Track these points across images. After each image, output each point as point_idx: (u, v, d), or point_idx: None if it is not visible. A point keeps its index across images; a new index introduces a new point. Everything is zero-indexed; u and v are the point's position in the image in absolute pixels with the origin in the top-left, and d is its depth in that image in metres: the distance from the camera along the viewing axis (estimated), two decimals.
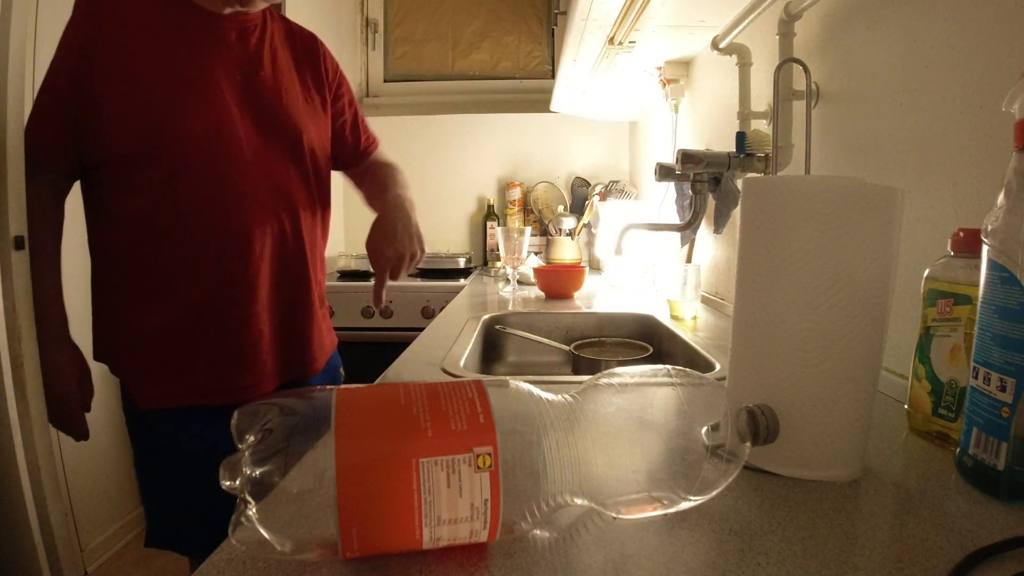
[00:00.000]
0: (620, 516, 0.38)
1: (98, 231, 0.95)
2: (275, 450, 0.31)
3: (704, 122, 1.42)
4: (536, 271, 1.57)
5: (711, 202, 1.28)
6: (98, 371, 1.75)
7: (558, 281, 1.50)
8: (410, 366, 0.84)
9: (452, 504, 0.32)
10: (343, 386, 0.35)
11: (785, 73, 0.89)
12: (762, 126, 1.06)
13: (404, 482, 0.31)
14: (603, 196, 2.09)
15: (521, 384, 0.38)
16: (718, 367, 0.82)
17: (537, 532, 0.37)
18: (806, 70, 0.84)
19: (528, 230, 1.52)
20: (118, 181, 0.89)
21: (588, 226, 2.18)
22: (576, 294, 1.53)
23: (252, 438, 0.32)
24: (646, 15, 1.12)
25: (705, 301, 1.35)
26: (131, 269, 0.90)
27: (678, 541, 0.37)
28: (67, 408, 0.96)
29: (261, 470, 0.31)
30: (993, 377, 0.41)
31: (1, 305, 1.36)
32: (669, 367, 0.40)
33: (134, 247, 0.89)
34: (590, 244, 2.26)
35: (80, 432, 0.96)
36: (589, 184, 2.43)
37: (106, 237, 0.93)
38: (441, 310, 1.39)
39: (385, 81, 2.67)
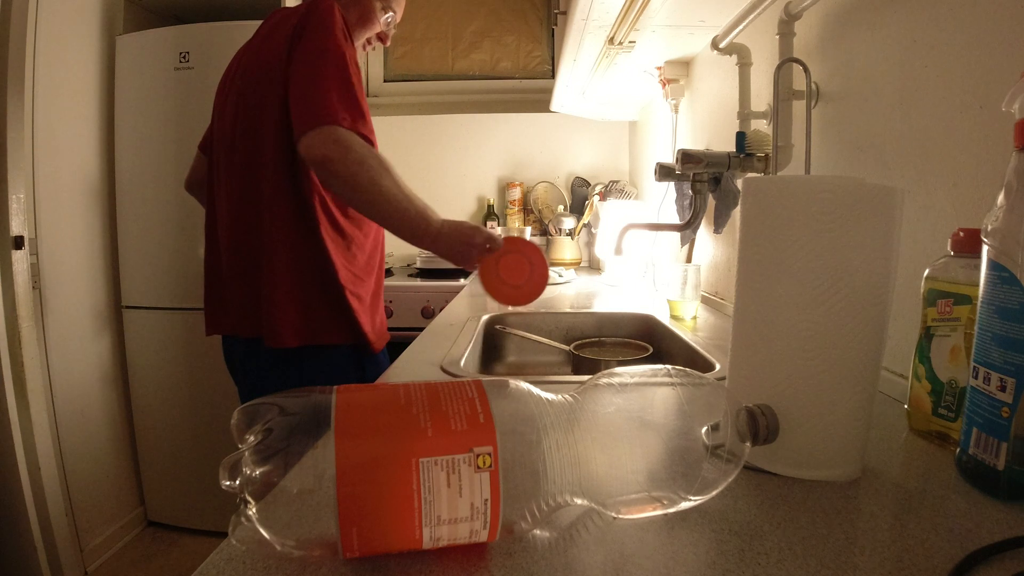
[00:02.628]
0: (620, 516, 0.38)
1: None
2: (275, 450, 0.31)
3: (704, 122, 1.42)
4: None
5: (711, 202, 1.28)
6: (98, 372, 1.74)
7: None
8: (410, 366, 0.84)
9: (452, 504, 0.32)
10: (343, 386, 0.35)
11: (785, 73, 0.89)
12: (762, 126, 1.06)
13: (404, 482, 0.31)
14: (603, 196, 2.09)
15: (521, 384, 0.38)
16: (718, 367, 0.82)
17: (537, 532, 0.37)
18: (806, 70, 0.84)
19: (528, 230, 1.52)
20: None
21: (588, 226, 2.18)
22: (574, 293, 1.53)
23: (252, 438, 0.32)
24: (646, 15, 1.13)
25: (705, 301, 1.35)
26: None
27: (678, 541, 0.37)
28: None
29: (261, 470, 0.31)
30: (993, 377, 0.41)
31: (1, 305, 1.36)
32: (669, 367, 0.40)
33: None
34: (590, 244, 2.26)
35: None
36: (589, 184, 2.43)
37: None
38: (441, 310, 1.39)
39: (385, 81, 2.67)
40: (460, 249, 1.01)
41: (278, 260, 1.02)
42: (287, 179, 1.01)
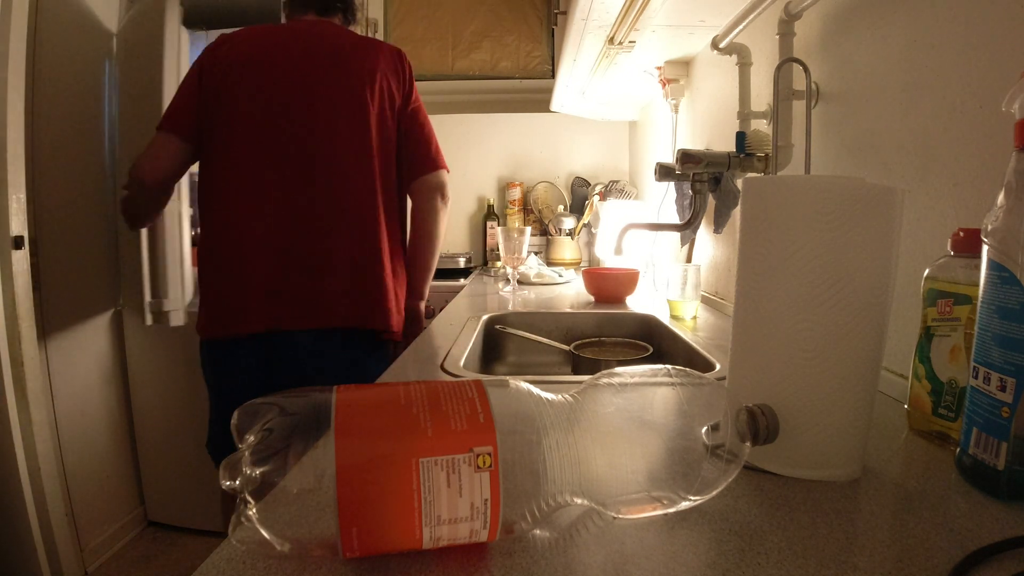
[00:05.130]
0: (620, 516, 0.38)
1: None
2: (275, 450, 0.31)
3: (704, 122, 1.42)
4: (585, 273, 1.47)
5: (711, 202, 1.28)
6: (98, 372, 1.74)
7: (607, 285, 1.43)
8: (410, 366, 0.84)
9: (452, 504, 0.32)
10: (343, 386, 0.35)
11: (785, 73, 0.89)
12: (762, 126, 1.06)
13: (404, 482, 0.31)
14: (603, 196, 2.09)
15: (521, 384, 0.38)
16: (718, 367, 0.82)
17: (537, 532, 0.37)
18: (806, 70, 0.84)
19: (528, 230, 1.52)
20: None
21: (588, 226, 2.18)
22: (574, 293, 1.53)
23: (252, 438, 0.32)
24: (646, 15, 1.13)
25: (705, 301, 1.35)
26: None
27: (678, 541, 0.37)
28: None
29: (261, 470, 0.31)
30: (993, 377, 0.41)
31: (1, 305, 1.36)
32: (669, 367, 0.40)
33: None
34: (590, 244, 2.26)
35: None
36: (589, 184, 2.43)
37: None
38: (441, 310, 1.39)
39: None
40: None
41: (384, 253, 1.16)
42: (396, 198, 1.22)
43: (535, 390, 0.37)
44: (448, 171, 1.26)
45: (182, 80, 1.20)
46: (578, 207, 2.39)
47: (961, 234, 0.50)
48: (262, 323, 1.10)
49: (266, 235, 1.10)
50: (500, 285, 1.79)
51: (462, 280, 2.04)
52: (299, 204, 1.11)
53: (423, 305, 1.32)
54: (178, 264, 1.74)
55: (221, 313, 1.12)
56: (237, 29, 1.20)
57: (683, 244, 1.50)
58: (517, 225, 2.16)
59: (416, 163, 1.22)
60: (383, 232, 1.17)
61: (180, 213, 1.73)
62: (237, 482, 0.31)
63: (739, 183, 1.14)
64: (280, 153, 1.11)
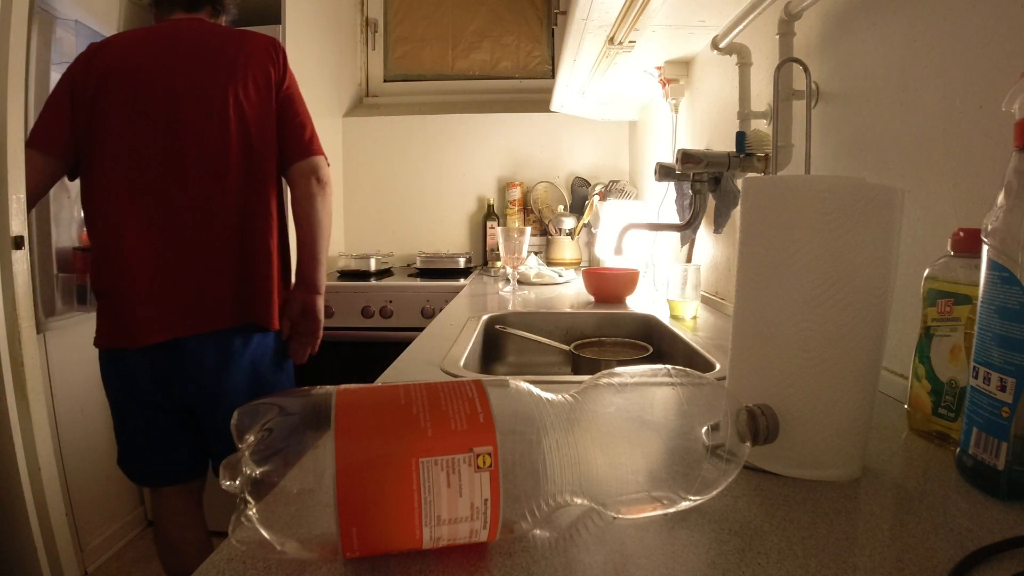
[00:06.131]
0: (620, 516, 0.38)
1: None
2: (275, 450, 0.31)
3: (704, 122, 1.42)
4: (585, 273, 1.47)
5: (711, 202, 1.28)
6: (98, 372, 1.75)
7: (607, 285, 1.42)
8: (410, 366, 0.84)
9: (452, 504, 0.32)
10: (343, 386, 0.35)
11: (785, 73, 0.89)
12: (762, 126, 1.06)
13: (404, 482, 0.31)
14: (603, 196, 2.09)
15: (521, 384, 0.38)
16: (718, 367, 0.82)
17: (537, 532, 0.37)
18: (806, 70, 0.84)
19: (528, 230, 1.52)
20: None
21: (588, 226, 2.18)
22: (574, 293, 1.53)
23: (252, 438, 0.32)
24: (646, 15, 1.12)
25: (705, 301, 1.35)
26: None
27: (678, 541, 0.37)
28: None
29: (261, 470, 0.31)
30: (993, 377, 0.41)
31: (1, 305, 1.36)
32: (669, 367, 0.40)
33: None
34: (590, 244, 2.26)
35: None
36: (589, 184, 2.43)
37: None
38: (441, 310, 1.39)
39: (385, 81, 2.67)
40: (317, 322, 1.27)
41: (267, 252, 1.18)
42: (274, 187, 1.22)
43: (535, 390, 0.37)
44: (323, 156, 1.24)
45: (50, 93, 1.19)
46: (578, 207, 2.39)
47: (961, 234, 0.50)
48: (155, 334, 1.11)
49: (143, 245, 1.11)
50: (500, 285, 1.79)
51: (462, 280, 2.04)
52: (174, 208, 1.12)
53: (319, 300, 1.26)
54: None
55: (114, 326, 1.13)
56: (107, 37, 1.22)
57: (683, 244, 1.50)
58: (517, 225, 2.16)
59: (289, 150, 1.21)
60: (270, 225, 1.19)
61: None
62: (237, 482, 0.31)
63: (739, 183, 1.14)
64: (151, 159, 1.12)
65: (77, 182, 1.21)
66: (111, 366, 1.18)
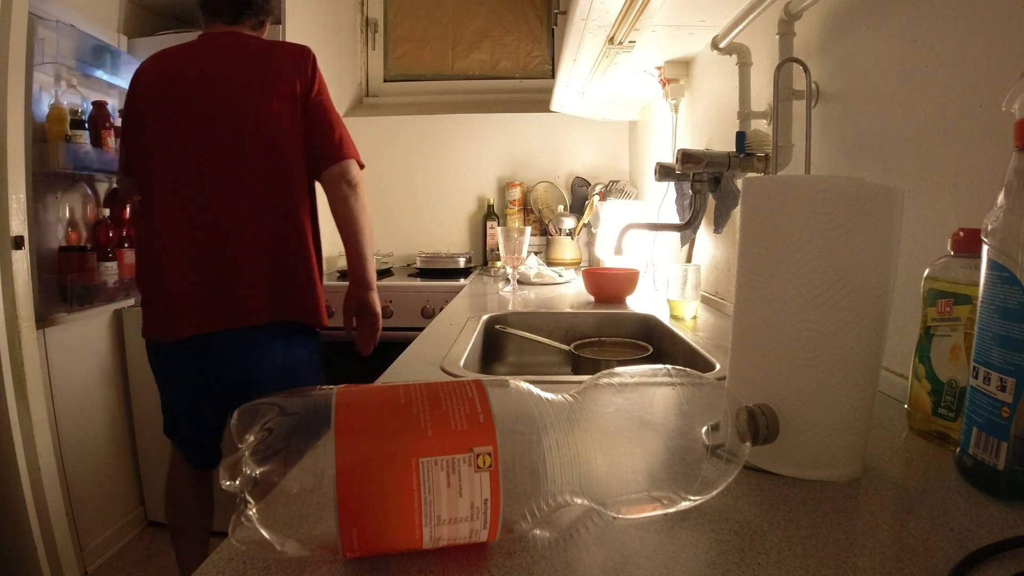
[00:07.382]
0: (620, 516, 0.38)
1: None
2: (275, 450, 0.31)
3: (704, 122, 1.42)
4: (585, 273, 1.47)
5: (711, 202, 1.28)
6: (98, 372, 1.74)
7: (607, 285, 1.42)
8: (410, 366, 0.84)
9: (452, 504, 0.32)
10: (343, 386, 0.35)
11: (785, 73, 0.89)
12: (762, 126, 1.06)
13: (404, 482, 0.31)
14: (603, 196, 2.09)
15: (521, 384, 0.38)
16: (718, 367, 0.82)
17: (537, 532, 0.37)
18: (806, 70, 0.84)
19: (528, 230, 1.52)
20: None
21: (588, 226, 2.18)
22: (574, 293, 1.53)
23: (252, 438, 0.32)
24: (646, 15, 1.13)
25: (705, 301, 1.35)
26: None
27: (678, 541, 0.37)
28: None
29: (261, 470, 0.31)
30: (993, 377, 0.41)
31: (1, 305, 1.36)
32: (669, 367, 0.40)
33: None
34: (590, 244, 2.26)
35: None
36: (589, 184, 2.43)
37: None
38: (441, 310, 1.39)
39: (385, 81, 2.67)
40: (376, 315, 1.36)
41: (305, 255, 1.24)
42: (305, 193, 1.27)
43: (535, 390, 0.37)
44: (356, 159, 1.27)
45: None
46: (578, 207, 2.39)
47: (961, 234, 0.50)
48: (186, 329, 1.20)
49: (178, 249, 1.20)
50: (500, 285, 1.79)
51: (462, 280, 2.04)
52: (213, 215, 1.20)
53: (372, 295, 1.33)
54: None
55: (153, 320, 1.24)
56: (157, 52, 1.28)
57: (683, 244, 1.50)
58: (517, 225, 2.16)
59: (320, 156, 1.25)
60: (306, 227, 1.25)
61: None
62: (237, 482, 0.31)
63: (739, 183, 1.14)
64: (187, 172, 1.20)
65: (75, 182, 1.27)
66: (155, 356, 1.29)
